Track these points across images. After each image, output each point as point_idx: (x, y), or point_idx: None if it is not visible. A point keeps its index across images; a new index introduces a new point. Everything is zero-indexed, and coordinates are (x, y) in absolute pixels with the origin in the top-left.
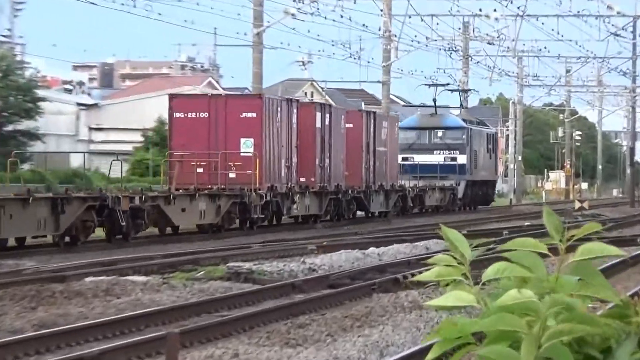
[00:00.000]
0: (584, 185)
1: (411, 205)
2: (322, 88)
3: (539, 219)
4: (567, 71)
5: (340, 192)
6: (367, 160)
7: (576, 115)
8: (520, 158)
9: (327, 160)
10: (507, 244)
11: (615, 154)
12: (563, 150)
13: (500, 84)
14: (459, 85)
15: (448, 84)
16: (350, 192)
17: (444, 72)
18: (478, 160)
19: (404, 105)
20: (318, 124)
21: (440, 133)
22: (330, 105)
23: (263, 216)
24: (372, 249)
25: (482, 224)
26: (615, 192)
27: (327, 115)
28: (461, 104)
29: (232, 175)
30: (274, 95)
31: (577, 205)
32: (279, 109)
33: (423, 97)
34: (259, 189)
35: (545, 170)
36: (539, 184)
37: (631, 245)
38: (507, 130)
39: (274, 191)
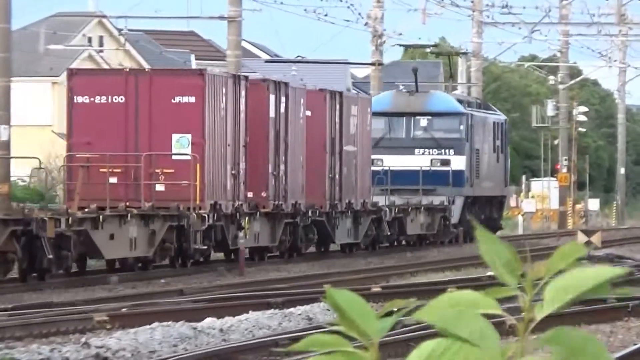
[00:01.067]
0: (594, 204)
1: (387, 233)
2: (119, 30)
3: None
4: None
5: (298, 215)
6: (332, 166)
7: (579, 78)
8: None
9: (282, 167)
10: (432, 304)
11: None
12: (555, 142)
13: (442, 20)
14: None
15: (435, 45)
16: (310, 214)
17: (342, 1)
18: (481, 165)
19: (267, 61)
20: (272, 112)
21: (424, 122)
22: (287, 84)
23: (205, 247)
24: (209, 319)
25: (416, 275)
26: None
27: (283, 99)
28: (451, 75)
29: (159, 187)
30: (219, 71)
31: (581, 239)
32: (224, 90)
33: (308, 47)
34: (200, 208)
35: (524, 176)
36: (513, 202)
37: None
38: None
39: (218, 211)
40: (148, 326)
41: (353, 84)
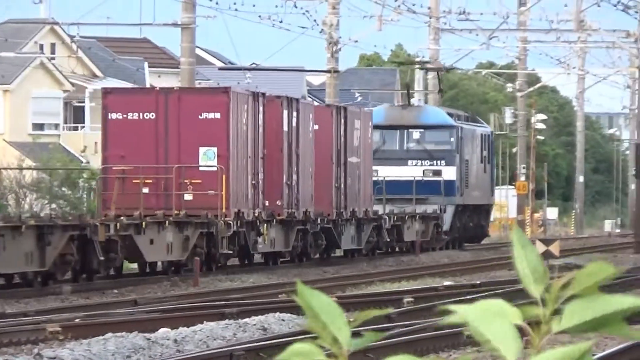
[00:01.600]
0: (552, 213)
1: (387, 240)
2: (71, 37)
3: (469, 273)
4: (521, 3)
5: (308, 222)
6: (338, 176)
7: (537, 85)
8: None
9: (294, 177)
10: (450, 318)
11: (609, 155)
12: (514, 150)
13: (398, 27)
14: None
15: (428, 62)
16: (319, 221)
17: (297, 7)
18: (470, 175)
19: (221, 68)
20: (285, 126)
21: (417, 134)
22: (297, 100)
23: (231, 252)
24: (163, 330)
25: (372, 285)
26: (608, 225)
27: (295, 114)
28: (440, 90)
29: (187, 197)
30: (241, 89)
31: (540, 248)
32: (245, 106)
33: (262, 54)
34: (226, 216)
35: None
36: None
37: (639, 322)
38: None
39: (241, 219)
40: (101, 337)
41: (308, 91)
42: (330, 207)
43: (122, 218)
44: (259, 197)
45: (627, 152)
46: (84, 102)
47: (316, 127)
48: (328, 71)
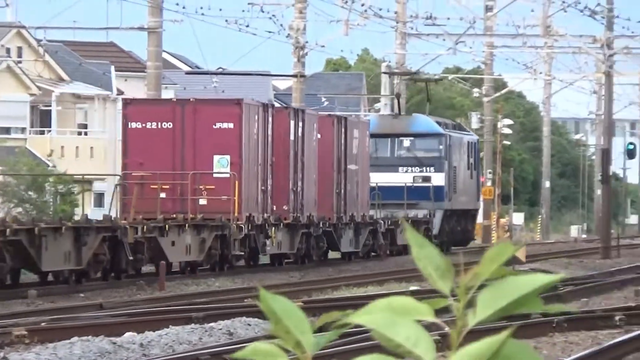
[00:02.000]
0: (518, 218)
1: (382, 243)
2: (37, 41)
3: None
4: (488, 8)
5: (312, 225)
6: (339, 182)
7: (504, 91)
8: None
9: (299, 183)
10: (368, 307)
11: (575, 161)
12: (480, 154)
13: (365, 32)
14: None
15: (416, 73)
16: (321, 225)
17: (264, 12)
18: (458, 181)
19: (188, 72)
20: (292, 136)
21: (407, 142)
22: (303, 111)
23: (242, 253)
24: (129, 334)
25: (339, 290)
26: (575, 230)
27: (301, 124)
28: (428, 100)
29: (202, 202)
30: (252, 100)
31: None
32: (256, 117)
33: (229, 59)
34: (238, 220)
35: None
36: None
37: (604, 327)
38: (378, 114)
39: (251, 222)
40: (67, 341)
41: (275, 95)
42: (332, 212)
43: (144, 220)
44: (267, 202)
45: (593, 157)
46: (50, 106)
47: (319, 136)
48: (294, 76)
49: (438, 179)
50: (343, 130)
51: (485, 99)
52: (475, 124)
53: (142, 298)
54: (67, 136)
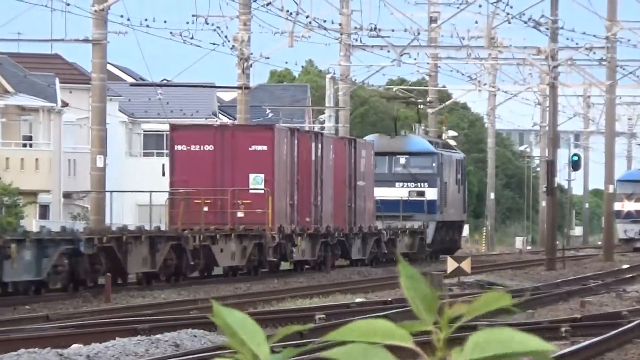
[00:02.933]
0: (464, 230)
1: (385, 251)
2: None
3: (380, 290)
4: (432, 20)
5: (329, 235)
6: (350, 197)
7: (448, 102)
8: None
9: (319, 198)
10: (343, 331)
11: (520, 172)
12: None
13: (309, 44)
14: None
15: (430, 102)
16: (336, 235)
17: (208, 23)
18: (448, 195)
19: (132, 84)
20: (313, 156)
21: (403, 160)
22: (322, 134)
23: (275, 259)
24: (76, 346)
25: (283, 301)
26: (520, 242)
27: (320, 145)
28: (419, 120)
29: (240, 214)
30: (282, 126)
31: (451, 266)
32: (285, 140)
33: (174, 70)
34: (271, 230)
35: None
36: None
37: (551, 339)
38: (323, 126)
39: (282, 232)
40: (14, 352)
41: (219, 107)
42: (344, 223)
43: (189, 230)
44: (294, 214)
45: (538, 168)
46: None
47: (333, 156)
48: (239, 87)
49: (431, 193)
50: (353, 150)
51: (429, 111)
52: None
53: (88, 310)
54: (12, 148)
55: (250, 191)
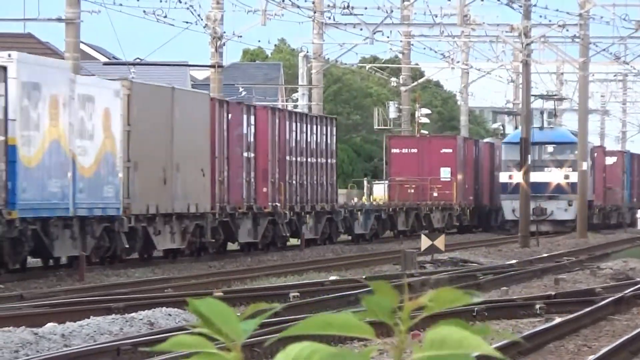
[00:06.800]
0: None
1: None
2: None
3: (354, 268)
4: None
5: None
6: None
7: (421, 80)
8: None
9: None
10: (302, 325)
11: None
12: None
13: (282, 22)
14: None
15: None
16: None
17: (181, 2)
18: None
19: (105, 63)
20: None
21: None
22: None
23: (458, 224)
24: (50, 325)
25: (257, 280)
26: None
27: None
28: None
29: (435, 194)
30: (462, 136)
31: (425, 243)
32: (464, 146)
33: (147, 49)
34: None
35: (365, 179)
36: (357, 202)
37: (525, 316)
38: (295, 103)
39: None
40: None
41: (193, 86)
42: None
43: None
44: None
45: None
46: None
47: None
48: (212, 66)
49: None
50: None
51: (402, 88)
52: (392, 114)
53: (63, 289)
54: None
55: (441, 179)
